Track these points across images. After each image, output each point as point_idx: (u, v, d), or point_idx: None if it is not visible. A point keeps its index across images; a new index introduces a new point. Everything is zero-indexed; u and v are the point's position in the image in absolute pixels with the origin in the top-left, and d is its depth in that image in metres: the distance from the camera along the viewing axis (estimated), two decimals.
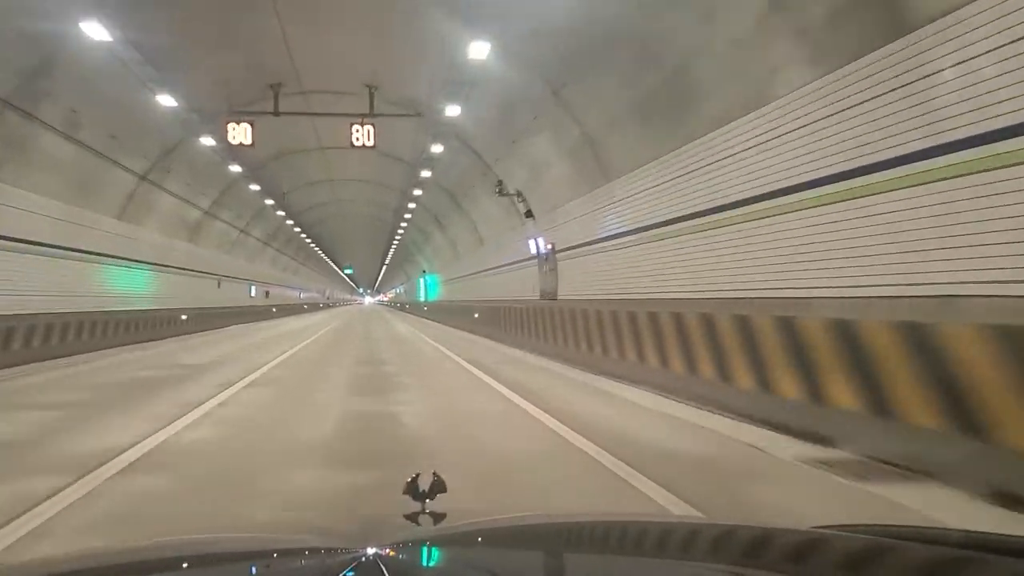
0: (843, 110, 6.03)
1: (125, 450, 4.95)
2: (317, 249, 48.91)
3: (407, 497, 1.33)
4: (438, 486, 1.35)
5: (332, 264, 64.36)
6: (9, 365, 10.81)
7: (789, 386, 5.61)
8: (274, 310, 38.50)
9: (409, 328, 26.08)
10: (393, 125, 18.34)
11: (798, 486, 4.18)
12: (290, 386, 9.14)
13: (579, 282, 13.55)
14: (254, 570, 1.18)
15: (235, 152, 18.53)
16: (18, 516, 3.45)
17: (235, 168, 20.59)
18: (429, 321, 31.23)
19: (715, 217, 8.31)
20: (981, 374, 3.87)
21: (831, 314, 5.49)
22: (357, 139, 13.75)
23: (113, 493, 4.01)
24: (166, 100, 13.31)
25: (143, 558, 1.22)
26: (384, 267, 66.98)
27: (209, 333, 22.36)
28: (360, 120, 13.83)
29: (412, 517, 1.29)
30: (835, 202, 6.16)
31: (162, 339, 18.59)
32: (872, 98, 5.66)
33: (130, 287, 18.29)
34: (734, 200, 7.90)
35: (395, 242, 42.42)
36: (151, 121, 14.55)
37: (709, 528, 1.47)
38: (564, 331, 12.14)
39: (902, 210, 5.36)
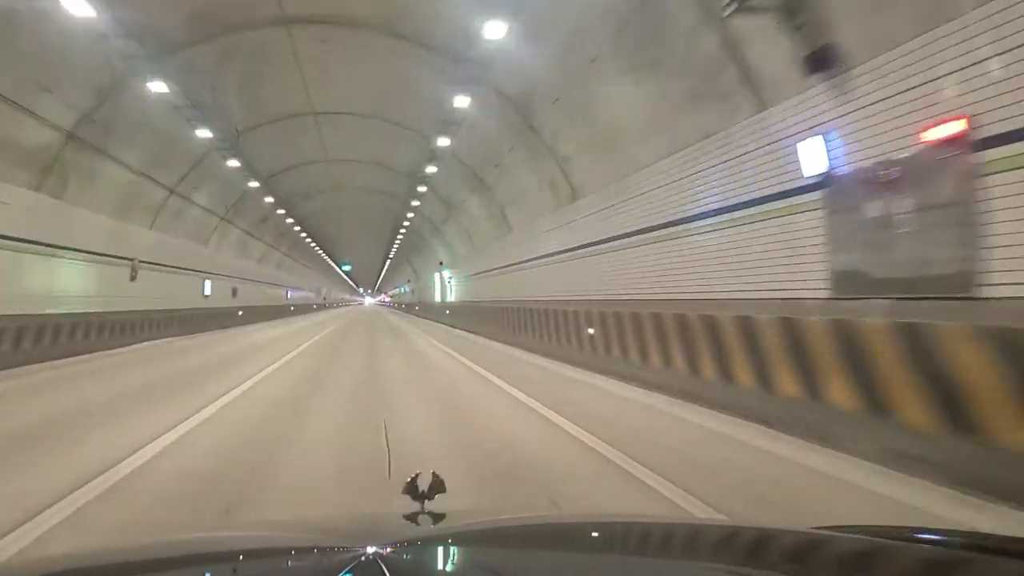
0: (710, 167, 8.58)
1: None
2: (311, 242, 43.85)
3: (407, 497, 1.35)
4: (437, 486, 1.36)
5: (329, 260, 58.73)
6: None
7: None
8: (240, 313, 28.62)
9: (439, 347, 15.94)
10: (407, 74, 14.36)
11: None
12: None
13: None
14: (255, 569, 1.17)
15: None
16: None
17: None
18: (464, 333, 20.97)
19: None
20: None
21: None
22: None
23: None
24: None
25: (143, 557, 1.23)
26: (388, 261, 60.28)
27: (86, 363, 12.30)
28: None
29: (412, 517, 1.31)
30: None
31: None
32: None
33: None
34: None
35: (401, 234, 37.35)
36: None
37: (709, 529, 1.52)
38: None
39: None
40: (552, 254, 15.53)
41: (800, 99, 6.72)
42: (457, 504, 1.47)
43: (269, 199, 26.27)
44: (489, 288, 22.23)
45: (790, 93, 6.84)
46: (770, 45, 6.68)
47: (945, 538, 1.14)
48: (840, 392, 5.06)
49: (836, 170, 6.30)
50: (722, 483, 4.17)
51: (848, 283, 6.16)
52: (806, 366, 5.48)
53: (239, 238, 28.83)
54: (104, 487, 4.07)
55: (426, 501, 1.35)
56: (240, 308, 29.39)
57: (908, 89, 5.39)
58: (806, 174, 6.64)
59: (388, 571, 0.97)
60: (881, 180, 5.67)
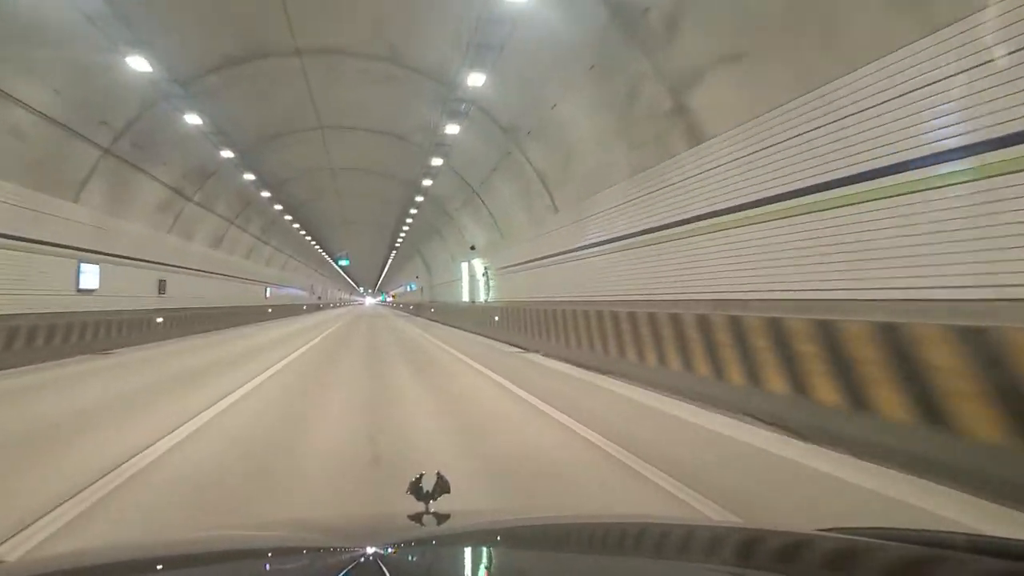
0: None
1: None
2: (305, 234, 38.48)
3: (411, 497, 1.32)
4: (442, 486, 1.34)
5: (324, 254, 52.51)
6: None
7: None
8: (160, 320, 18.86)
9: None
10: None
11: None
12: None
13: None
14: (256, 569, 1.17)
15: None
16: None
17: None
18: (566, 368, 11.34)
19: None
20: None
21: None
22: None
23: None
24: None
25: (144, 556, 1.21)
26: (393, 252, 51.55)
27: None
28: None
29: (416, 517, 1.29)
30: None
31: None
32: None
33: None
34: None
35: (407, 223, 31.87)
36: None
37: (709, 529, 1.51)
38: None
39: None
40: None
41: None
42: (462, 504, 1.45)
43: (249, 176, 21.28)
44: (536, 283, 16.73)
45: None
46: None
47: (946, 540, 1.10)
48: None
49: None
50: None
51: None
52: None
53: (196, 219, 21.56)
54: None
55: (431, 501, 1.32)
56: (170, 310, 19.74)
57: None
58: None
59: (388, 571, 0.97)
60: None
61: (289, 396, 8.24)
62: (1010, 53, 4.38)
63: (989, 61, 4.53)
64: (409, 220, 30.94)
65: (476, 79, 12.06)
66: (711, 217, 8.31)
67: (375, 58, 13.21)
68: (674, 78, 8.34)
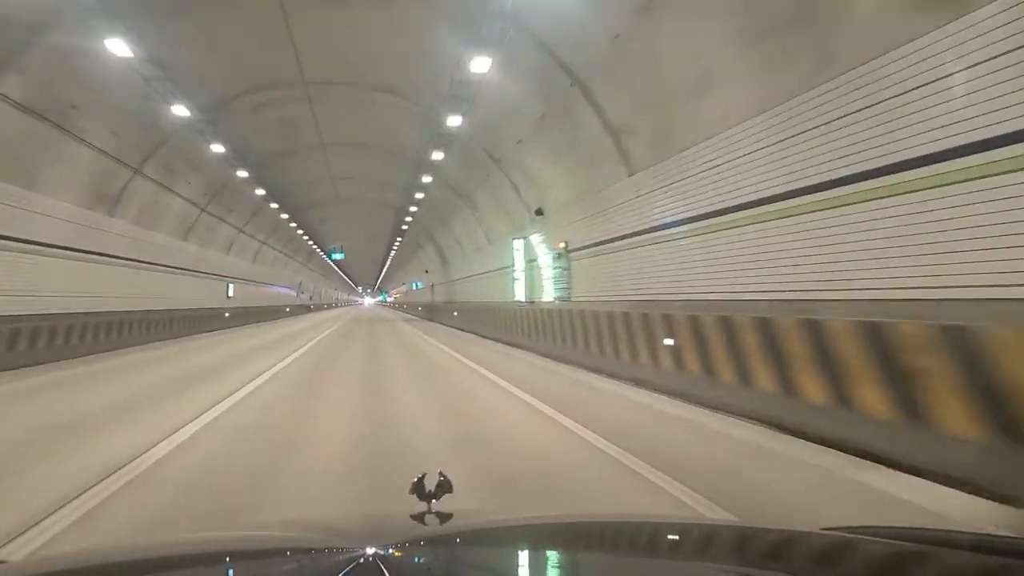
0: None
1: None
2: (295, 226, 32.37)
3: (413, 497, 1.31)
4: (444, 486, 1.33)
5: (319, 249, 45.94)
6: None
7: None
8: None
9: None
10: None
11: None
12: None
13: None
14: (257, 569, 1.17)
15: None
16: None
17: None
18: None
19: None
20: None
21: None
22: None
23: None
24: None
25: (143, 557, 1.21)
26: (397, 241, 41.50)
27: None
28: None
29: (418, 517, 1.28)
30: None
31: None
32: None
33: None
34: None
35: (418, 199, 24.88)
36: None
37: (710, 529, 1.51)
38: None
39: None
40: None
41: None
42: (464, 504, 1.41)
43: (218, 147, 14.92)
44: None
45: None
46: None
47: (954, 540, 1.07)
48: None
49: None
50: None
51: None
52: None
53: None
54: None
55: (433, 501, 1.31)
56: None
57: None
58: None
59: (389, 571, 0.97)
60: None
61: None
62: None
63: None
64: (419, 197, 24.33)
65: None
66: None
67: None
68: None
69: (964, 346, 4.01)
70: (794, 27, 6.25)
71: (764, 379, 6.06)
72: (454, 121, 14.22)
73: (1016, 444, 3.64)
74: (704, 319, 7.21)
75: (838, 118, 5.95)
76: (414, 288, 48.64)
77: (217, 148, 16.88)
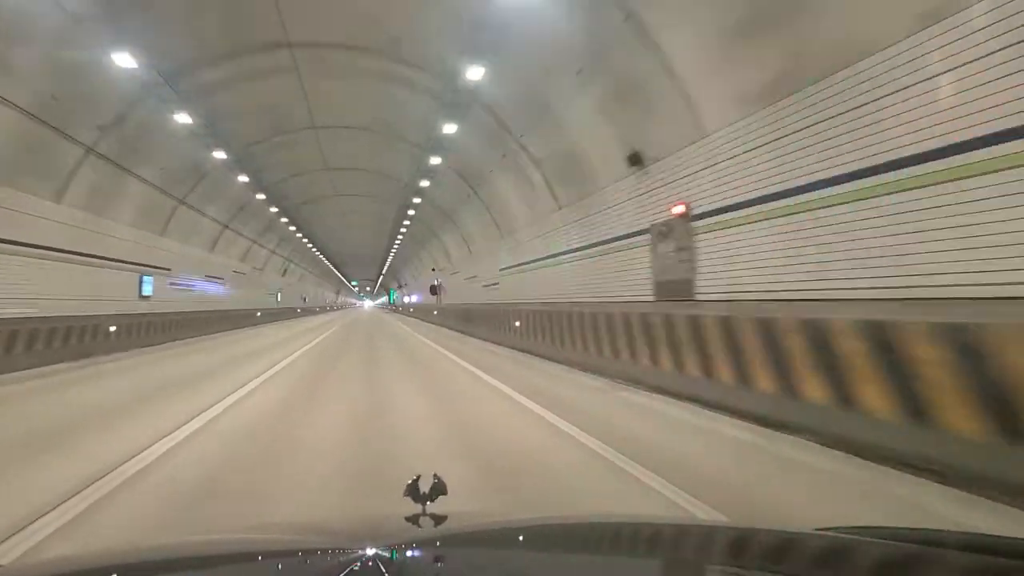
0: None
1: None
2: (291, 225, 30.68)
3: (408, 499, 1.31)
4: (439, 488, 1.32)
5: (314, 248, 43.48)
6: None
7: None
8: None
9: None
10: None
11: None
12: None
13: None
14: (255, 571, 1.16)
15: None
16: None
17: None
18: None
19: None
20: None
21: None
22: None
23: None
24: None
25: (144, 559, 1.21)
26: (401, 231, 33.40)
27: None
28: None
29: (413, 519, 1.28)
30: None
31: None
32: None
33: None
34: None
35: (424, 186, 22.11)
36: None
37: (706, 529, 1.50)
38: None
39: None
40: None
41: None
42: (459, 506, 1.43)
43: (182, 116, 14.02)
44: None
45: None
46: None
47: (944, 539, 1.09)
48: None
49: None
50: None
51: None
52: None
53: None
54: None
55: (427, 503, 1.31)
56: None
57: None
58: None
59: (387, 572, 0.97)
60: None
61: None
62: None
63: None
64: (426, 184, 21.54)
65: None
66: None
67: None
68: None
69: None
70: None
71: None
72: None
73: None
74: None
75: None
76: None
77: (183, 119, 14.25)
